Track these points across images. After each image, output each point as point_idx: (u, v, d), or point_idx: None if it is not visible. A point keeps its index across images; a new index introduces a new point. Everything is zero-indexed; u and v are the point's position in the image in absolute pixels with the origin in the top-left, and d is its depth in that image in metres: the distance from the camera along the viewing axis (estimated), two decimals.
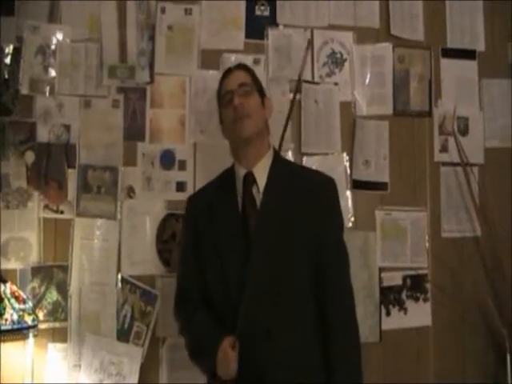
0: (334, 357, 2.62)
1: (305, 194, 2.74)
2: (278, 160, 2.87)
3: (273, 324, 2.63)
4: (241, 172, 2.79)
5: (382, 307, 3.69)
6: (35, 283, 3.38)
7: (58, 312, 3.40)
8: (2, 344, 3.01)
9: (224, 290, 2.70)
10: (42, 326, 3.29)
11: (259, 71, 3.60)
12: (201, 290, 2.80)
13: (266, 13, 3.71)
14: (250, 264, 2.65)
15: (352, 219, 3.69)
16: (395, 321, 3.72)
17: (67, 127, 3.49)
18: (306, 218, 2.70)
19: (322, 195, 2.78)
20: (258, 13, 3.71)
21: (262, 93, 2.88)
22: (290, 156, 3.62)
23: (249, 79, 2.84)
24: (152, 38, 3.58)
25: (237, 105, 2.72)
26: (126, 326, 3.44)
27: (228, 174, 2.88)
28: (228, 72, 2.89)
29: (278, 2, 3.72)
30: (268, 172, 2.78)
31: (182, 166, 3.57)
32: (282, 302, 2.65)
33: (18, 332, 3.04)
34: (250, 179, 2.77)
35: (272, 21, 3.72)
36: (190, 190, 3.52)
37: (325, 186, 2.83)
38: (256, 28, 3.70)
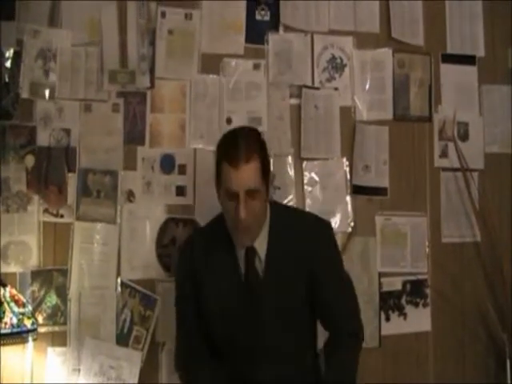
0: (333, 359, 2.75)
1: (304, 248, 2.72)
2: (275, 217, 2.77)
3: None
4: (240, 247, 2.72)
5: (382, 312, 3.69)
6: (35, 287, 3.37)
7: (57, 316, 3.39)
8: (1, 348, 3.00)
9: (231, 347, 2.76)
10: (42, 330, 3.28)
11: (259, 76, 3.64)
12: (205, 342, 2.82)
13: (267, 18, 3.71)
14: (258, 326, 2.71)
15: (352, 224, 3.68)
16: (395, 326, 3.72)
17: (67, 131, 3.49)
18: (306, 271, 2.72)
19: (321, 245, 2.78)
20: (258, 17, 3.71)
21: (267, 174, 2.65)
22: (289, 161, 3.63)
23: (258, 176, 2.57)
24: (152, 43, 3.58)
25: (242, 219, 2.54)
26: (125, 330, 3.43)
27: (224, 233, 2.74)
28: (235, 163, 2.52)
29: (278, 7, 3.71)
30: (267, 238, 2.73)
31: (182, 170, 3.56)
32: (287, 359, 2.75)
33: (17, 336, 3.02)
34: (252, 253, 2.71)
35: (272, 26, 3.72)
36: (189, 195, 3.54)
37: (323, 234, 2.83)
38: (256, 33, 3.69)
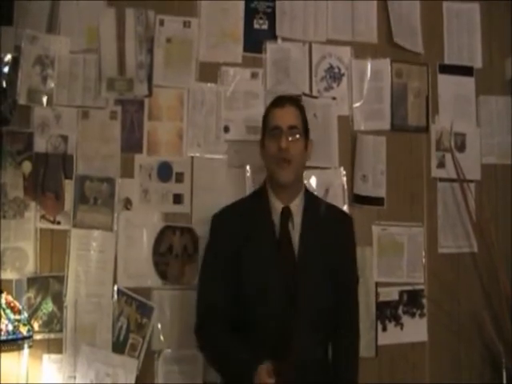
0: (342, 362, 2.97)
1: (333, 231, 2.96)
2: (309, 197, 3.02)
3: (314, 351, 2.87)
4: (277, 205, 2.92)
5: (379, 322, 3.68)
6: (31, 294, 3.37)
7: (53, 323, 3.39)
8: None
9: (267, 317, 2.79)
10: (37, 337, 3.28)
11: (257, 85, 3.64)
12: (230, 309, 2.84)
13: (265, 26, 3.72)
14: (296, 296, 2.79)
15: None
16: (391, 336, 3.71)
17: (65, 138, 3.49)
18: (336, 254, 2.93)
19: (347, 232, 3.06)
20: (256, 26, 3.72)
21: (307, 134, 2.99)
22: None
23: (299, 120, 2.94)
24: (150, 51, 3.58)
25: (283, 148, 2.83)
26: (121, 337, 3.42)
27: (261, 199, 2.97)
28: (281, 103, 2.95)
29: (276, 16, 3.72)
30: (302, 211, 2.94)
31: (180, 178, 3.56)
32: (320, 333, 2.88)
33: (12, 343, 3.01)
34: (287, 214, 2.91)
35: (270, 35, 3.73)
36: (186, 203, 3.54)
37: (348, 223, 3.10)
38: (254, 42, 3.71)
